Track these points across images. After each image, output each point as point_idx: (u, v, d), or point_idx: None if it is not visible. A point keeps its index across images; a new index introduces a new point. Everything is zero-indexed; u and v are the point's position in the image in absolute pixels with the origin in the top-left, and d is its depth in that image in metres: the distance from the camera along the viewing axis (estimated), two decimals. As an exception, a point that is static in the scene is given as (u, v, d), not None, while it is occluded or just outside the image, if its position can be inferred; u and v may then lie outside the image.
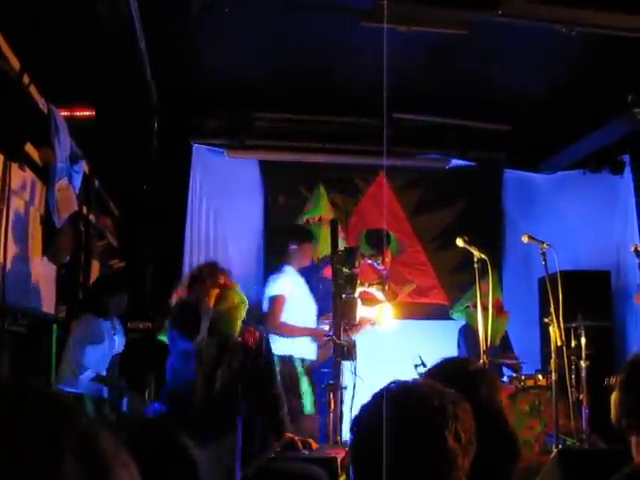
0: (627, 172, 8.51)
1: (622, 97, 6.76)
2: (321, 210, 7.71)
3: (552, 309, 5.64)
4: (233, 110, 7.44)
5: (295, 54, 6.35)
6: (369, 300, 5.48)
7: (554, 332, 5.64)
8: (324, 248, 7.07)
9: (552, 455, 4.40)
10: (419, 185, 8.13)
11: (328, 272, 6.21)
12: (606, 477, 2.34)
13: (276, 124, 7.60)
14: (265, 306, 6.49)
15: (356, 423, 1.86)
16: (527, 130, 7.93)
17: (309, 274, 6.90)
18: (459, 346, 7.67)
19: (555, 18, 5.14)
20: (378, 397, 1.84)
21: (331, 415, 5.21)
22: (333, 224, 5.45)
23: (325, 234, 6.93)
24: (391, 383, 1.85)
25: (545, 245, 5.72)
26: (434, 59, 6.40)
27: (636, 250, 6.21)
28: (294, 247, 6.60)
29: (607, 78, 6.63)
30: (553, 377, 5.82)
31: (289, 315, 6.34)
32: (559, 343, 5.67)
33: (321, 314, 6.53)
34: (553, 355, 5.77)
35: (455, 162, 8.18)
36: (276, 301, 6.34)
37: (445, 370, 2.32)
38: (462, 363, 2.47)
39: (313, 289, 6.75)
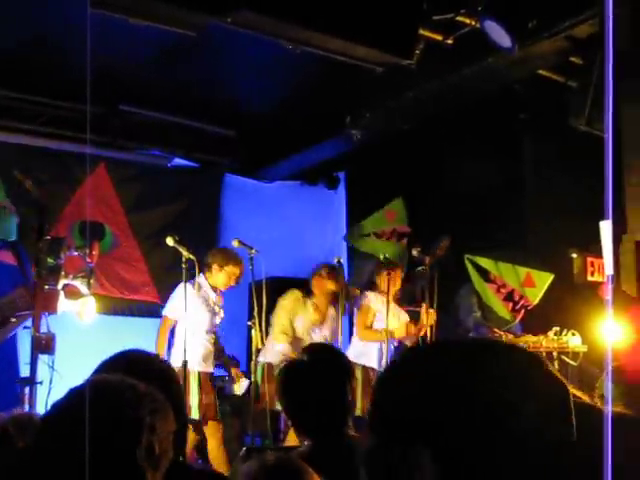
0: (341, 188, 9.04)
1: (341, 117, 7.17)
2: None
3: (255, 313, 5.84)
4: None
5: (23, 31, 6.00)
6: (73, 293, 5.32)
7: (256, 335, 5.85)
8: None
9: (240, 453, 4.57)
10: (139, 180, 8.00)
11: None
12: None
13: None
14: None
15: (45, 423, 1.70)
16: (251, 138, 8.13)
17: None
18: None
19: (282, 34, 5.33)
20: (71, 397, 1.69)
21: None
22: (42, 210, 5.23)
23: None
24: (88, 382, 1.69)
25: (253, 251, 5.90)
26: (167, 56, 6.36)
27: (339, 262, 6.61)
28: None
29: (329, 98, 6.98)
30: (252, 379, 6.03)
31: None
32: (259, 346, 5.89)
33: None
34: (253, 357, 5.99)
35: (178, 161, 8.19)
36: None
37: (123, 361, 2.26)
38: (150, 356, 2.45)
39: None
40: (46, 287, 4.97)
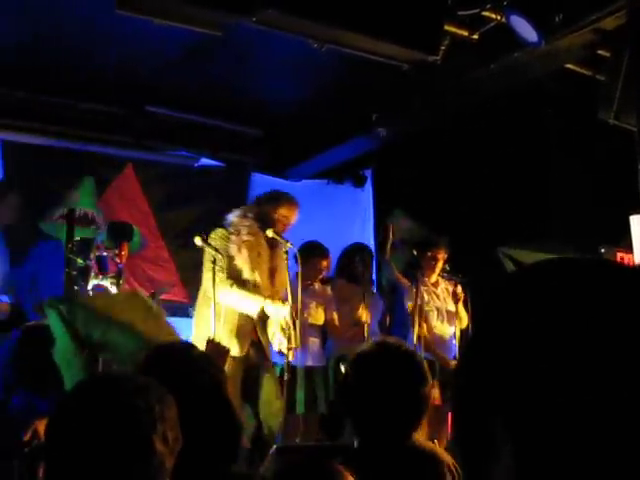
0: (368, 186, 9.00)
1: (368, 115, 7.15)
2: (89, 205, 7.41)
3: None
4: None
5: (48, 31, 6.01)
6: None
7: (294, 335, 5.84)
8: None
9: (270, 451, 4.58)
10: (167, 181, 8.07)
11: None
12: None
13: (20, 104, 7.12)
14: None
15: (52, 422, 1.71)
16: (277, 137, 8.13)
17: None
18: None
19: (307, 33, 5.32)
20: (76, 393, 1.72)
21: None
22: (70, 212, 5.27)
23: None
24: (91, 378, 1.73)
25: (289, 244, 5.89)
26: (191, 56, 6.38)
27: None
28: None
29: (355, 96, 6.97)
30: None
31: None
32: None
33: None
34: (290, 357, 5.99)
35: (204, 161, 8.22)
36: None
37: (166, 356, 2.27)
38: (185, 348, 2.44)
39: None
40: (75, 288, 5.00)
